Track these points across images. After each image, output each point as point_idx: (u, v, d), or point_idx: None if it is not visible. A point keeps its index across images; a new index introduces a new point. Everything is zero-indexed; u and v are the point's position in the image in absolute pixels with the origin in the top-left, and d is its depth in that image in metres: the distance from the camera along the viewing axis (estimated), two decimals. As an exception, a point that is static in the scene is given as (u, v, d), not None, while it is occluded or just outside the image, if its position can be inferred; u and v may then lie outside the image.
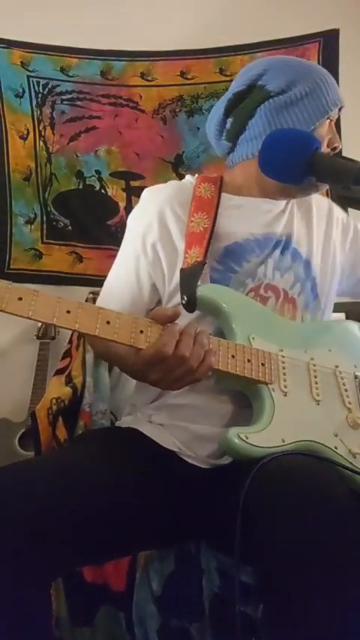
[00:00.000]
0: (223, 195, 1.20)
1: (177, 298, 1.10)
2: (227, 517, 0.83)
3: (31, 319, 0.84)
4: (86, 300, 1.52)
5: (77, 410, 1.36)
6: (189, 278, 1.07)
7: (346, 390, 1.04)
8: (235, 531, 0.79)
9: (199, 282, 1.06)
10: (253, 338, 1.01)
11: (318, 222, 1.25)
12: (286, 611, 0.75)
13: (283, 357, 1.02)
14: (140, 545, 1.05)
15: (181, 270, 1.09)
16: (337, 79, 2.26)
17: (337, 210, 1.30)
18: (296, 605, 0.73)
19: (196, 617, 1.06)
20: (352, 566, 0.73)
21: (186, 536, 1.07)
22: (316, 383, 1.02)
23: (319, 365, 1.05)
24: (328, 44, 2.27)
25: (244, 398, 1.02)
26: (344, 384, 1.05)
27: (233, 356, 0.96)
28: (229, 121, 1.18)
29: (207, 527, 1.02)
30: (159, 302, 1.17)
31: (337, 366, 1.07)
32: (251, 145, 1.16)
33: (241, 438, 0.89)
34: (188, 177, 1.27)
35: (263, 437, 0.91)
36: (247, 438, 0.90)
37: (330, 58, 2.25)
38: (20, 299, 0.83)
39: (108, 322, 0.89)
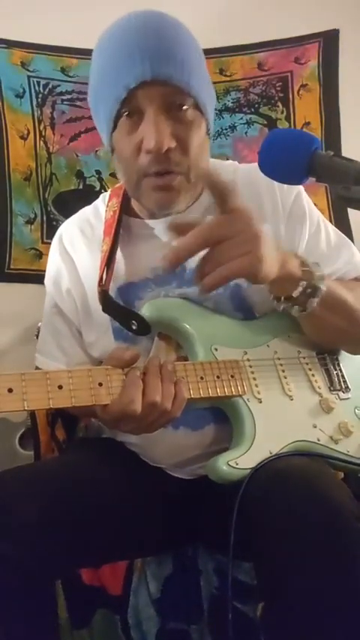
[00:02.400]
0: (125, 218, 1.06)
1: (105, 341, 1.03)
2: (223, 516, 0.83)
3: None
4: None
5: (76, 410, 1.36)
6: (114, 307, 1.00)
7: (313, 375, 1.02)
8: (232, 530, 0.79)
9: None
10: (215, 349, 0.97)
11: None
12: (286, 610, 0.74)
13: (249, 360, 0.98)
14: (139, 550, 1.05)
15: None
16: (337, 79, 2.26)
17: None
18: (297, 603, 0.72)
19: (195, 618, 1.06)
20: (351, 562, 0.73)
21: (184, 539, 1.07)
22: (285, 377, 1.00)
23: (284, 357, 1.02)
24: (328, 44, 2.27)
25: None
26: (310, 369, 1.03)
27: (202, 377, 0.90)
28: None
29: (204, 529, 1.03)
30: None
31: (299, 352, 1.04)
32: None
33: (231, 466, 0.86)
34: (101, 197, 1.14)
35: (251, 456, 0.88)
36: (237, 464, 0.87)
37: (330, 58, 2.25)
38: None
39: (60, 387, 0.78)
